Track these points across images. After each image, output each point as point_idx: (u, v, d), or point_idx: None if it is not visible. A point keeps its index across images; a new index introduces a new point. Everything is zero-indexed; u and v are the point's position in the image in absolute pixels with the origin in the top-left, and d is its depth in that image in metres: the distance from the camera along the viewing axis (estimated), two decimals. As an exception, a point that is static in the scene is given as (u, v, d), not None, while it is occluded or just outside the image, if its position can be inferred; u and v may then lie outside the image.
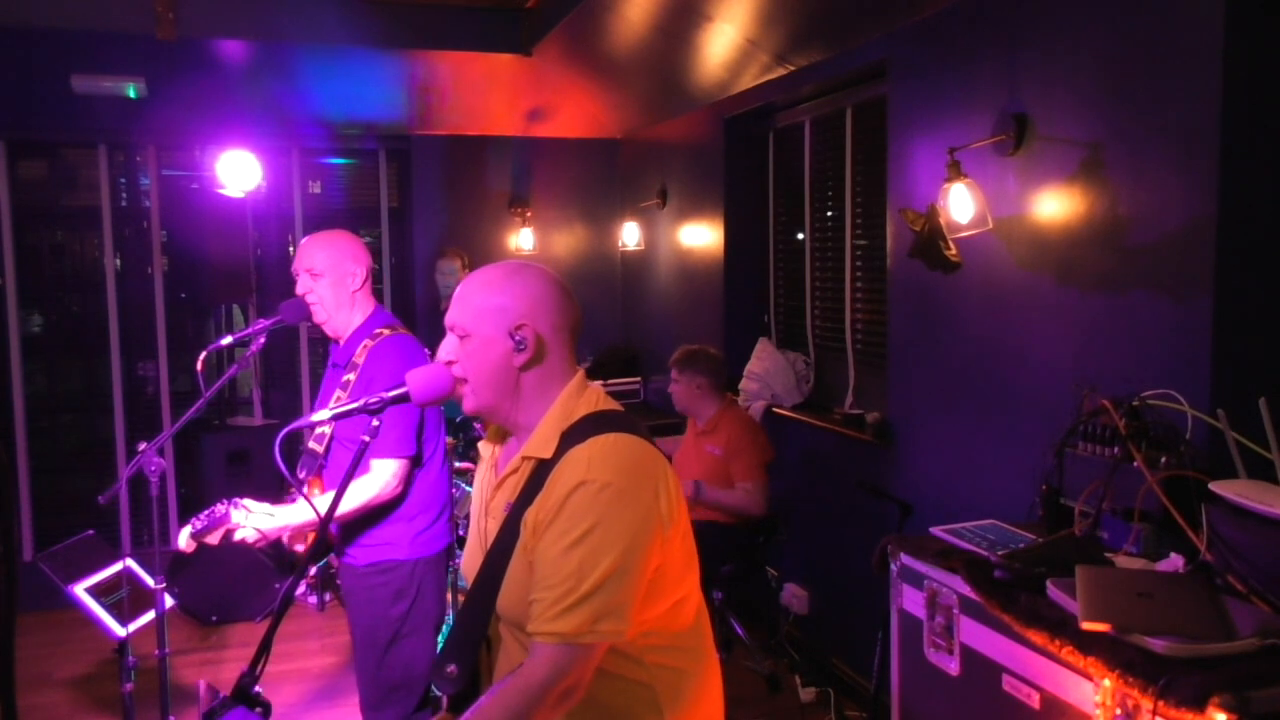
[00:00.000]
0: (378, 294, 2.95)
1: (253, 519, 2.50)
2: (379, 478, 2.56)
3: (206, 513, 2.51)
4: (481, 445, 1.82)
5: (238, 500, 2.52)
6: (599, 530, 1.46)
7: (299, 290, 2.71)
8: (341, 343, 2.75)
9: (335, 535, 2.73)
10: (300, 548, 2.83)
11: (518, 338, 1.59)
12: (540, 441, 1.59)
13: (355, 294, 2.73)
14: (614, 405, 1.66)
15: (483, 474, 1.79)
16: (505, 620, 1.61)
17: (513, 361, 1.60)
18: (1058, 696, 2.01)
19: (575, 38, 4.77)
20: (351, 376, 2.63)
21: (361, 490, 2.53)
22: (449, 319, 1.64)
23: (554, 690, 1.45)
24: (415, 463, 2.66)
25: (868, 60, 3.73)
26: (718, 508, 3.96)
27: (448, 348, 1.64)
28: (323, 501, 2.54)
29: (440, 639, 2.75)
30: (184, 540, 2.53)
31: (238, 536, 2.51)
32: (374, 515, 2.64)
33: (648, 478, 1.54)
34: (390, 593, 2.65)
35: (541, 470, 1.56)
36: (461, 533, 3.87)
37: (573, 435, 1.56)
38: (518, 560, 1.56)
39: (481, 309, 1.61)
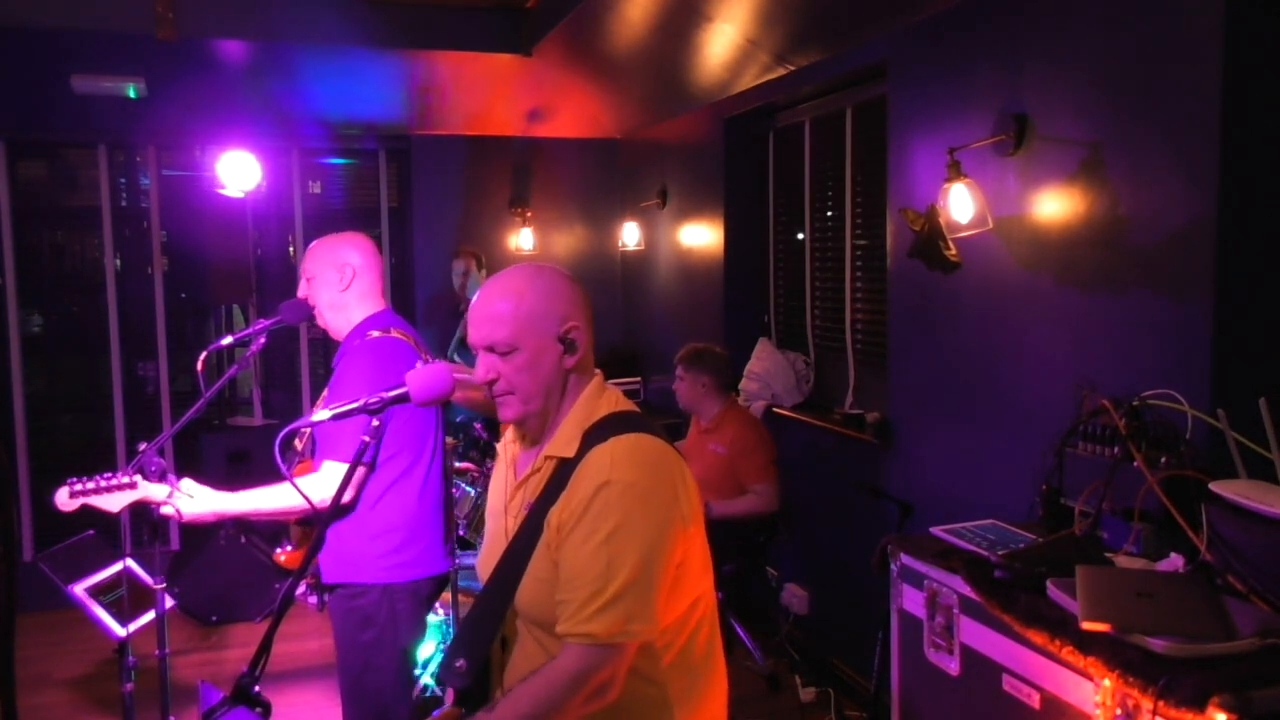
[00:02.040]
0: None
1: (177, 498, 2.40)
2: (324, 479, 2.41)
3: (104, 475, 2.39)
4: (500, 446, 1.82)
5: (174, 479, 2.43)
6: (624, 530, 1.48)
7: (300, 293, 2.70)
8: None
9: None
10: (283, 557, 2.78)
11: (568, 339, 1.59)
12: (563, 441, 1.60)
13: (344, 295, 2.63)
14: (631, 406, 1.67)
15: (501, 474, 1.79)
16: (524, 617, 1.62)
17: (564, 364, 1.60)
18: (1058, 696, 2.00)
19: (575, 38, 4.77)
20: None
21: (305, 489, 2.33)
22: (483, 339, 1.59)
23: (586, 688, 1.48)
24: (370, 469, 2.49)
25: (868, 60, 3.73)
26: (731, 519, 3.95)
27: (485, 367, 1.60)
28: (279, 494, 2.44)
29: (421, 667, 2.61)
30: (62, 498, 2.39)
31: (164, 512, 2.43)
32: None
33: (669, 477, 1.56)
34: (359, 618, 2.52)
35: (564, 469, 1.57)
36: (461, 533, 3.86)
37: (594, 435, 1.57)
38: (540, 558, 1.56)
39: (525, 319, 1.58)
